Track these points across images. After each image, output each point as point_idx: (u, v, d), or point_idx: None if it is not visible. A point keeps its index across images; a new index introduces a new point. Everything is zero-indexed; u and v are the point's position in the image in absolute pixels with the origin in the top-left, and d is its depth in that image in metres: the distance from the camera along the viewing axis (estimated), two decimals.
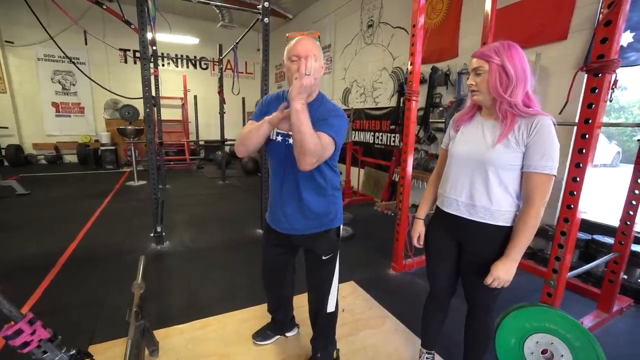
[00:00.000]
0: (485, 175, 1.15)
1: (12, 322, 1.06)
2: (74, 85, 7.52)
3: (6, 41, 6.94)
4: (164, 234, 3.01)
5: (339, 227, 1.44)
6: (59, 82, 7.41)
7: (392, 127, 4.83)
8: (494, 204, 1.15)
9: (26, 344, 1.07)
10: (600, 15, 1.34)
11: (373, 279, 2.54)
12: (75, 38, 6.63)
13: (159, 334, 1.80)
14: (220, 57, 5.82)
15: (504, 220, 1.16)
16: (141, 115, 7.69)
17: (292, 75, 1.17)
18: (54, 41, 4.35)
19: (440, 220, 1.35)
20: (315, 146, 1.08)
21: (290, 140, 1.23)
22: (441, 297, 1.45)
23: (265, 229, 1.53)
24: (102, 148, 7.08)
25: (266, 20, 2.99)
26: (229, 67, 8.48)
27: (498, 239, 1.17)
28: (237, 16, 6.79)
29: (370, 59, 5.36)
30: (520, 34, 2.96)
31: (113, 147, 7.14)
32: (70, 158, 7.76)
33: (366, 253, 3.05)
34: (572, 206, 1.46)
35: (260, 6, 2.98)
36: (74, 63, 5.02)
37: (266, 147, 1.33)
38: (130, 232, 3.35)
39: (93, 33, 6.68)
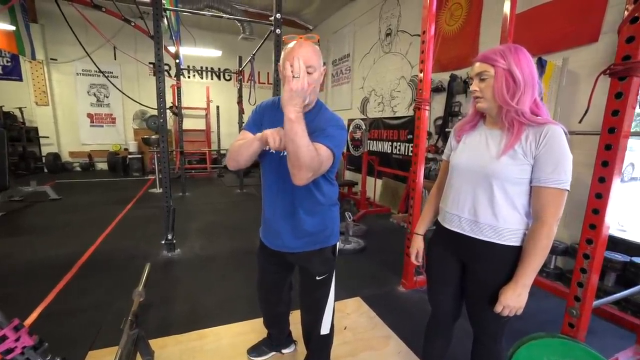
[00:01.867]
0: (490, 190, 1.04)
1: None
2: (107, 97, 8.01)
3: (51, 59, 7.54)
4: (175, 241, 3.05)
5: (335, 245, 1.35)
6: (94, 94, 7.93)
7: (410, 136, 4.69)
8: (499, 221, 1.04)
9: (9, 350, 1.07)
10: (626, 12, 1.20)
11: (381, 296, 2.41)
12: (109, 54, 7.06)
13: (156, 342, 1.79)
14: (240, 69, 5.97)
15: (512, 240, 1.04)
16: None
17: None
18: (90, 58, 4.68)
19: (441, 237, 1.24)
20: (312, 159, 0.98)
21: (286, 152, 1.17)
22: (444, 321, 1.33)
23: (260, 245, 1.46)
24: (129, 156, 7.43)
25: (278, 31, 3.02)
26: (250, 78, 8.70)
27: (506, 260, 1.05)
28: (257, 29, 6.97)
29: (388, 67, 5.28)
30: (544, 38, 2.78)
31: (140, 156, 7.48)
32: (102, 165, 8.21)
33: (376, 267, 2.92)
34: (595, 226, 1.29)
35: (273, 17, 3.01)
36: (106, 77, 5.35)
37: (259, 156, 1.24)
38: (145, 239, 3.44)
39: (125, 49, 7.13)
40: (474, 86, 1.07)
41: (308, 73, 1.05)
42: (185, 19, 6.69)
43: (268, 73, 9.37)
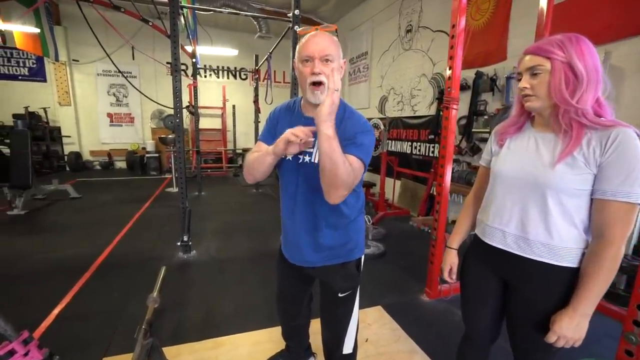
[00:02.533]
0: (543, 203, 0.90)
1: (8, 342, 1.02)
2: (126, 97, 8.15)
3: (73, 60, 7.72)
4: (190, 243, 3.01)
5: (359, 259, 1.23)
6: (114, 94, 8.08)
7: (431, 136, 4.52)
8: (554, 239, 0.90)
9: None
10: None
11: (403, 305, 2.28)
12: (129, 54, 7.17)
13: (170, 350, 1.74)
14: (256, 67, 5.92)
15: (569, 260, 0.90)
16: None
17: (305, 80, 1.00)
18: (109, 58, 4.74)
19: (480, 253, 1.10)
20: (348, 176, 0.90)
21: (307, 158, 1.06)
22: (480, 343, 1.20)
23: (279, 255, 1.35)
24: (147, 155, 7.53)
25: (296, 28, 2.92)
26: (267, 77, 8.68)
27: (561, 282, 0.92)
28: (274, 27, 6.91)
29: (408, 65, 5.11)
30: (584, 30, 2.56)
31: (157, 155, 7.56)
32: (121, 164, 8.36)
33: (398, 274, 2.79)
34: None
35: (291, 14, 2.91)
36: (125, 77, 5.40)
37: (277, 164, 1.12)
38: (161, 239, 3.42)
39: (143, 49, 7.21)
40: (524, 83, 0.93)
41: (326, 61, 0.97)
42: (202, 19, 6.70)
43: (284, 72, 9.31)
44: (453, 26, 2.07)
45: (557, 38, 0.88)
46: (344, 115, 1.07)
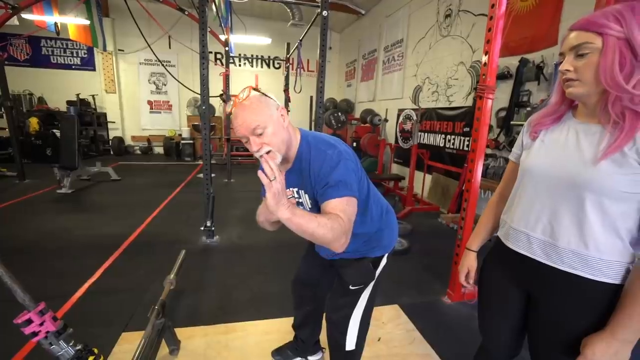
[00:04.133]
0: (580, 206, 0.76)
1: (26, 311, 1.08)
2: (165, 85, 8.52)
3: (119, 49, 8.18)
4: (213, 228, 3.08)
5: (378, 257, 1.19)
6: (154, 83, 8.48)
7: (467, 129, 4.23)
8: (590, 249, 0.76)
9: (34, 334, 1.08)
10: None
11: (422, 306, 2.17)
12: (168, 44, 7.48)
13: (184, 332, 1.78)
14: (287, 56, 5.88)
15: (609, 274, 0.76)
16: (217, 112, 8.32)
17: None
18: (150, 48, 4.99)
19: (501, 258, 0.98)
20: (334, 231, 0.86)
21: (301, 207, 1.07)
22: (497, 357, 1.08)
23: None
24: (182, 142, 7.85)
25: (325, 13, 2.82)
26: (298, 65, 8.63)
27: (597, 300, 0.78)
28: (307, 15, 6.78)
29: (445, 52, 4.80)
30: None
31: (191, 141, 7.86)
32: (159, 150, 8.81)
33: (420, 272, 2.67)
34: None
35: None
36: (164, 66, 5.64)
37: None
38: (187, 223, 3.54)
39: (182, 39, 7.45)
40: (566, 64, 0.77)
41: (258, 135, 0.91)
42: (237, 7, 6.75)
43: (316, 61, 9.17)
44: (492, 6, 1.87)
45: (615, 8, 0.72)
46: (308, 157, 1.01)
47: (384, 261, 1.22)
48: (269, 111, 0.94)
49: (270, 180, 0.78)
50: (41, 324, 1.09)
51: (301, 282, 1.46)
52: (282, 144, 0.96)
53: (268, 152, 0.90)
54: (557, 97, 0.87)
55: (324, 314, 1.34)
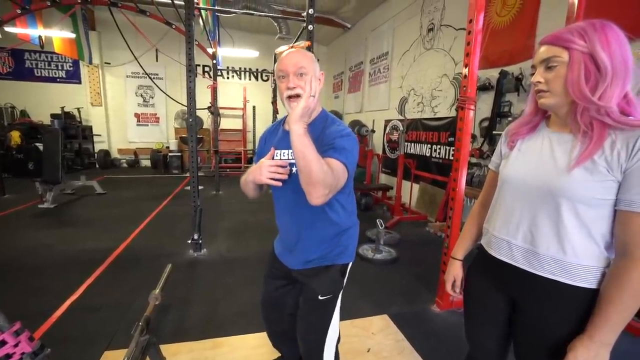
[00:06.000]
0: (556, 212, 0.79)
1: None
2: (152, 98, 8.49)
3: (105, 62, 8.13)
4: (201, 241, 3.04)
5: (345, 265, 1.19)
6: (141, 95, 8.44)
7: (451, 139, 4.33)
8: (568, 255, 0.79)
9: (8, 355, 1.04)
10: None
11: (411, 315, 2.17)
12: (155, 57, 7.46)
13: (169, 348, 1.74)
14: (274, 68, 5.96)
15: (587, 280, 0.78)
16: (205, 125, 8.30)
17: (283, 95, 1.04)
18: (137, 61, 4.98)
19: (484, 266, 1.00)
20: (325, 174, 0.90)
21: (294, 169, 1.04)
22: None
23: (270, 254, 1.35)
24: (170, 154, 7.78)
25: (310, 27, 2.89)
26: None
27: (576, 305, 0.80)
28: (294, 28, 6.91)
29: (429, 65, 4.94)
30: (620, 23, 2.35)
31: (179, 154, 7.79)
32: (146, 162, 8.69)
33: (409, 281, 2.67)
34: None
35: (305, 13, 2.88)
36: (151, 79, 5.62)
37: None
38: (174, 237, 3.48)
39: (170, 52, 7.44)
40: (537, 76, 0.82)
41: (301, 74, 1.02)
42: (224, 21, 6.83)
43: None
44: (470, 21, 1.96)
45: (579, 25, 0.76)
46: (324, 123, 1.10)
47: (348, 271, 1.22)
48: (315, 67, 1.06)
49: (311, 95, 0.90)
50: (16, 345, 1.05)
51: (265, 303, 1.40)
52: (315, 88, 0.98)
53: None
54: (531, 107, 0.91)
55: (298, 336, 1.28)
